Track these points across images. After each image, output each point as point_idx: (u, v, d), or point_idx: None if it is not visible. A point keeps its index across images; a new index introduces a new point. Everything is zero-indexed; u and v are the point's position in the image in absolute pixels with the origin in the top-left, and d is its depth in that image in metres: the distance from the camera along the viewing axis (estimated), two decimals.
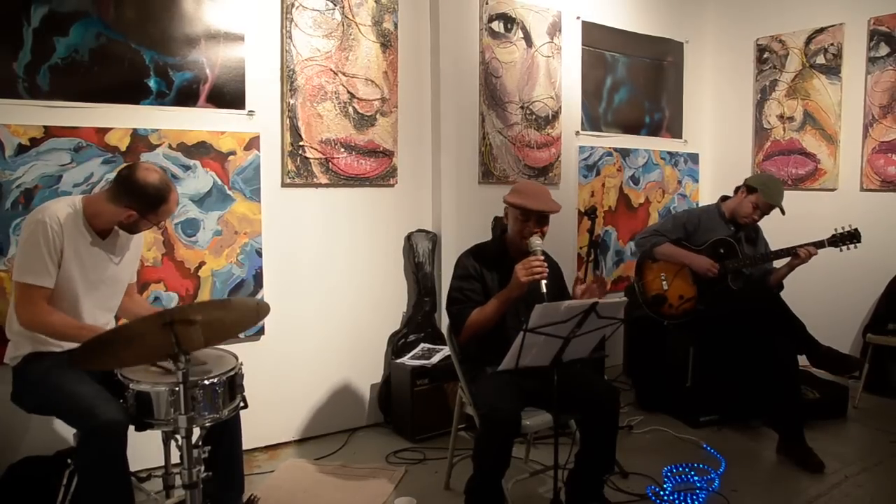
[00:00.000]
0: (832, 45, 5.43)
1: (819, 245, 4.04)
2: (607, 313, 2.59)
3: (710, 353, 4.28)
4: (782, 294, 4.27)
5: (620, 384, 5.06)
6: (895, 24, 5.09)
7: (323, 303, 4.16)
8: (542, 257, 2.89)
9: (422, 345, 4.34)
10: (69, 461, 2.60)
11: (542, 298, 2.71)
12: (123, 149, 3.43)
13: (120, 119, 3.43)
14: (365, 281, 4.33)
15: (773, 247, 4.28)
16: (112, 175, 3.37)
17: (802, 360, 4.10)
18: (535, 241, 2.94)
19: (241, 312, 2.45)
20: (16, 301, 2.61)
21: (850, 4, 5.33)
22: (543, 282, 2.80)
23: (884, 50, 5.16)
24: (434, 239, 4.50)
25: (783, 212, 4.11)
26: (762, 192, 4.11)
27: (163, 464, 2.79)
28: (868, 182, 5.27)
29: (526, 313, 2.48)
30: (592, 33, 5.37)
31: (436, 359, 4.12)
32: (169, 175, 3.29)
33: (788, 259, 4.10)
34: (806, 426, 3.86)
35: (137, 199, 2.63)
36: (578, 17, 5.28)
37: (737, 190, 4.33)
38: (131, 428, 2.45)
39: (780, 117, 5.79)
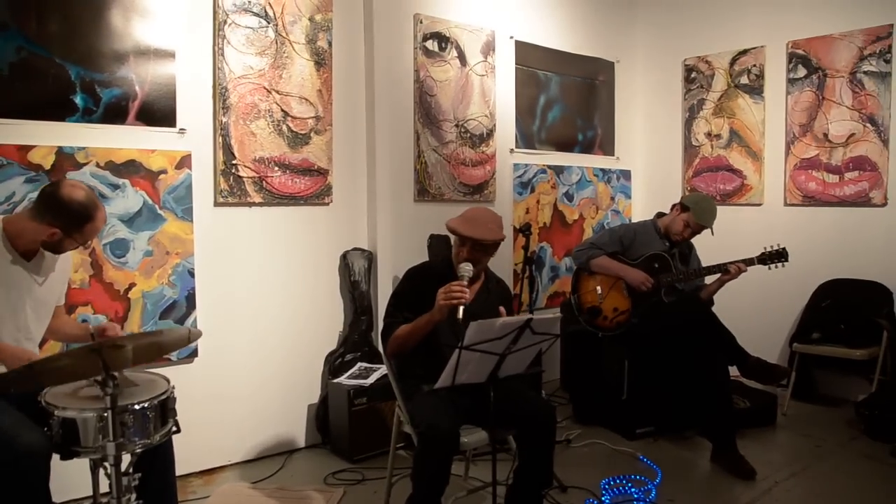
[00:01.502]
0: (755, 66, 5.64)
1: (749, 263, 4.17)
2: (542, 329, 2.61)
3: (644, 366, 4.36)
4: (713, 306, 4.38)
5: (558, 398, 5.11)
6: (811, 47, 5.32)
7: (258, 323, 4.09)
8: (465, 283, 2.84)
9: (359, 364, 4.30)
10: None
11: (458, 324, 2.70)
12: (48, 167, 3.32)
13: (44, 136, 3.33)
14: (300, 300, 4.28)
15: (704, 261, 4.40)
16: (35, 194, 3.25)
17: (733, 370, 4.21)
18: (465, 267, 2.90)
19: (173, 339, 2.40)
20: None
21: (770, 28, 5.55)
22: (461, 308, 2.75)
23: (801, 72, 5.38)
24: (370, 257, 4.48)
25: (713, 232, 4.24)
26: (694, 212, 4.23)
27: (91, 493, 2.68)
28: (791, 197, 5.47)
29: (461, 331, 2.48)
30: (526, 52, 5.46)
31: (373, 378, 4.09)
32: (97, 194, 3.20)
33: (719, 275, 4.22)
34: (738, 434, 3.97)
35: (61, 217, 2.53)
36: (512, 37, 5.36)
37: (673, 207, 4.43)
38: (56, 457, 2.35)
39: (708, 135, 5.98)
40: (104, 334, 2.62)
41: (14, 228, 2.59)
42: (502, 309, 2.94)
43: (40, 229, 2.55)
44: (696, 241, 4.48)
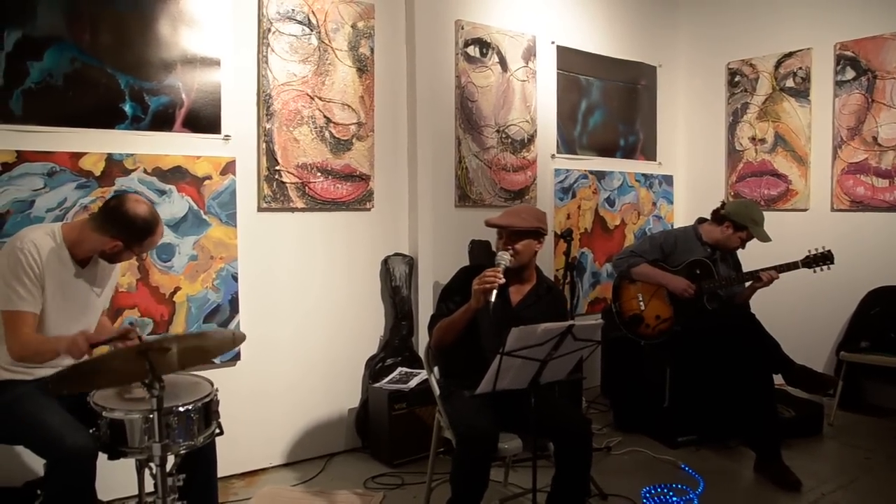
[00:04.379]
0: (801, 68, 5.55)
1: (793, 266, 4.10)
2: (584, 335, 2.61)
3: (686, 374, 4.31)
4: (757, 313, 4.32)
5: (598, 405, 5.07)
6: (859, 48, 5.21)
7: (299, 327, 4.14)
8: (500, 270, 2.89)
9: (399, 369, 4.32)
10: (38, 492, 2.55)
11: (489, 307, 2.82)
12: (98, 174, 3.41)
13: (94, 144, 3.41)
14: (341, 305, 4.32)
15: (747, 267, 4.33)
16: (86, 200, 3.36)
17: (778, 379, 4.14)
18: (501, 255, 2.99)
19: (218, 341, 2.45)
20: (4, 333, 2.54)
21: (816, 30, 5.45)
22: (494, 292, 2.81)
23: (850, 74, 5.27)
24: (411, 263, 4.50)
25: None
26: (755, 232, 4.16)
27: (136, 493, 2.74)
28: (838, 202, 5.36)
29: (504, 336, 2.49)
30: (567, 58, 5.44)
31: (413, 383, 4.11)
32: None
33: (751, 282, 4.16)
34: (782, 444, 3.90)
35: (125, 231, 2.61)
36: (553, 42, 5.35)
37: (714, 214, 4.34)
38: (104, 456, 2.41)
39: (752, 139, 5.89)
40: (126, 337, 2.67)
41: (74, 237, 2.67)
42: None
43: (103, 241, 2.63)
44: None
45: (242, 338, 2.47)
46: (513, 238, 3.07)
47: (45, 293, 2.58)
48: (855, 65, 5.24)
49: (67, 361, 2.57)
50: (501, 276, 2.86)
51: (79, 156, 3.36)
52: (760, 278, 4.10)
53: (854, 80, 5.26)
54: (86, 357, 2.53)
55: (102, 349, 2.96)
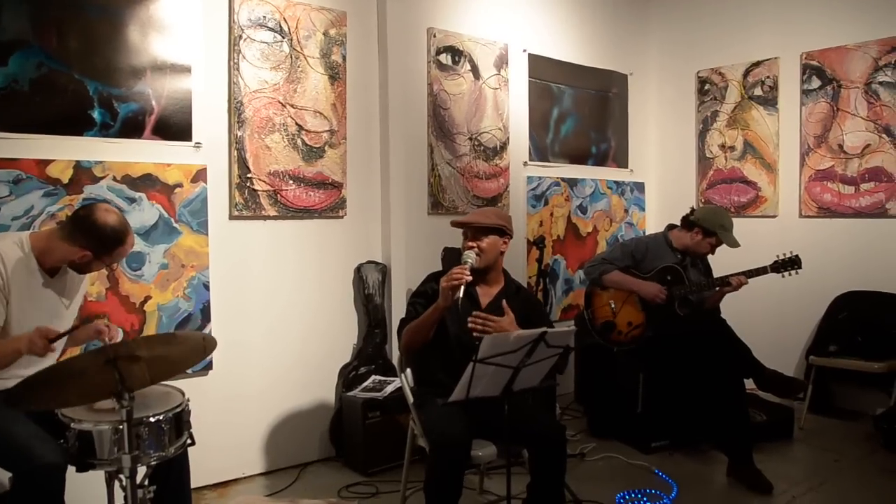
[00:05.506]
0: (768, 77, 5.63)
1: (762, 271, 4.15)
2: (557, 342, 2.61)
3: (659, 379, 4.34)
4: (728, 319, 4.36)
5: (572, 411, 5.09)
6: (825, 58, 5.31)
7: (272, 336, 4.11)
8: (466, 267, 2.92)
9: (373, 377, 4.30)
10: None
11: (457, 305, 2.89)
12: (66, 181, 3.36)
13: (62, 151, 3.36)
14: (314, 313, 4.29)
15: (718, 272, 4.37)
16: (53, 208, 3.31)
17: (749, 383, 4.18)
18: (467, 253, 3.05)
19: (187, 347, 2.40)
20: None
21: (783, 40, 5.55)
22: (461, 289, 2.85)
23: (816, 83, 5.36)
24: (384, 270, 4.49)
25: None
26: (724, 238, 4.20)
27: None
28: (806, 209, 5.44)
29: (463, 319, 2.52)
30: (539, 65, 5.47)
31: (387, 391, 4.09)
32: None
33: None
34: (754, 448, 3.93)
35: (94, 241, 2.58)
36: (525, 50, 5.38)
37: (684, 220, 4.38)
38: (72, 469, 2.37)
39: (722, 147, 5.96)
40: (96, 330, 2.64)
41: (42, 246, 2.62)
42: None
43: (72, 251, 2.59)
44: None
45: (213, 343, 2.43)
46: (477, 235, 3.10)
47: (10, 304, 2.53)
48: (821, 74, 5.34)
49: (31, 369, 2.51)
50: (468, 273, 2.89)
51: (46, 163, 3.31)
52: (730, 283, 4.14)
53: (820, 89, 5.35)
54: (49, 355, 2.49)
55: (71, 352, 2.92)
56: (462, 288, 2.85)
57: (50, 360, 2.63)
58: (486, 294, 3.18)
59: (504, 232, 3.15)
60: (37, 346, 2.44)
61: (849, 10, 5.21)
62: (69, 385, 2.11)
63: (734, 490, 3.81)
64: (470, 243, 3.10)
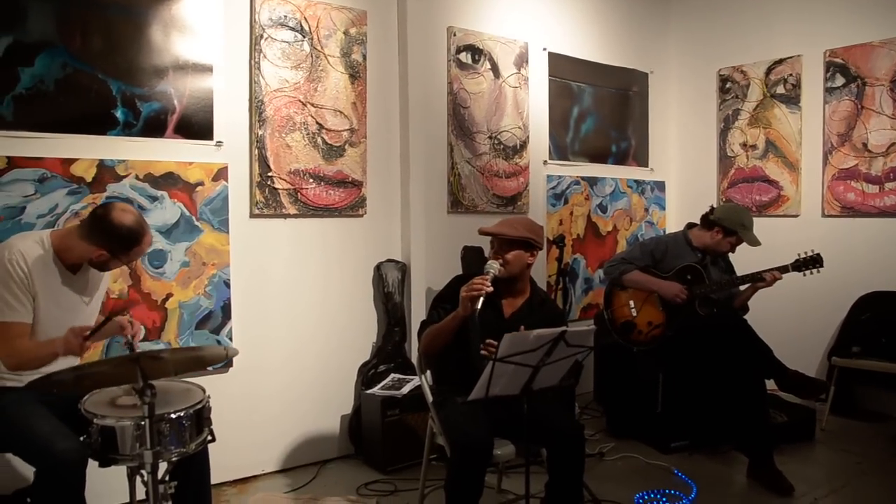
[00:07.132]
0: (791, 75, 5.58)
1: (783, 270, 4.11)
2: (576, 341, 2.61)
3: (679, 379, 4.31)
4: (749, 319, 4.32)
5: (591, 411, 5.07)
6: (849, 56, 5.25)
7: (292, 334, 4.13)
8: (488, 277, 2.90)
9: (392, 375, 4.31)
10: (28, 500, 2.53)
11: (475, 317, 2.88)
12: (89, 180, 3.40)
13: (86, 150, 3.41)
14: (334, 311, 4.31)
15: (739, 272, 4.34)
16: (77, 206, 3.35)
17: (770, 384, 4.14)
18: (490, 263, 3.01)
19: (210, 353, 2.45)
20: None
21: (806, 37, 5.49)
22: (480, 299, 2.83)
23: (839, 81, 5.30)
24: (403, 269, 4.50)
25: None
26: (744, 236, 4.17)
27: (128, 500, 2.72)
28: (829, 208, 5.39)
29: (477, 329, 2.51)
30: (559, 64, 5.46)
31: (406, 389, 4.10)
32: (136, 206, 3.28)
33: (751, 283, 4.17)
34: (775, 450, 3.90)
35: (110, 240, 2.60)
36: (545, 49, 5.37)
37: (704, 219, 4.36)
38: (95, 464, 2.39)
39: (744, 145, 5.91)
40: (119, 325, 2.68)
41: (63, 243, 2.66)
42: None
43: (89, 249, 2.63)
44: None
45: (235, 353, 2.49)
46: (503, 248, 3.07)
47: (37, 301, 2.57)
48: (844, 72, 5.28)
49: (63, 364, 2.55)
50: (489, 284, 2.87)
51: (70, 162, 3.35)
52: (764, 279, 4.10)
53: (844, 87, 5.29)
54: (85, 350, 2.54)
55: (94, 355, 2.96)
56: (481, 299, 2.83)
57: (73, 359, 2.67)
58: (510, 305, 3.17)
59: (531, 245, 3.11)
60: (73, 346, 2.48)
61: (873, 7, 5.14)
62: (93, 380, 2.15)
63: (754, 491, 3.78)
64: (496, 254, 3.07)
